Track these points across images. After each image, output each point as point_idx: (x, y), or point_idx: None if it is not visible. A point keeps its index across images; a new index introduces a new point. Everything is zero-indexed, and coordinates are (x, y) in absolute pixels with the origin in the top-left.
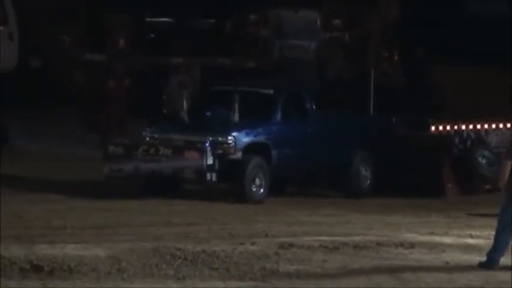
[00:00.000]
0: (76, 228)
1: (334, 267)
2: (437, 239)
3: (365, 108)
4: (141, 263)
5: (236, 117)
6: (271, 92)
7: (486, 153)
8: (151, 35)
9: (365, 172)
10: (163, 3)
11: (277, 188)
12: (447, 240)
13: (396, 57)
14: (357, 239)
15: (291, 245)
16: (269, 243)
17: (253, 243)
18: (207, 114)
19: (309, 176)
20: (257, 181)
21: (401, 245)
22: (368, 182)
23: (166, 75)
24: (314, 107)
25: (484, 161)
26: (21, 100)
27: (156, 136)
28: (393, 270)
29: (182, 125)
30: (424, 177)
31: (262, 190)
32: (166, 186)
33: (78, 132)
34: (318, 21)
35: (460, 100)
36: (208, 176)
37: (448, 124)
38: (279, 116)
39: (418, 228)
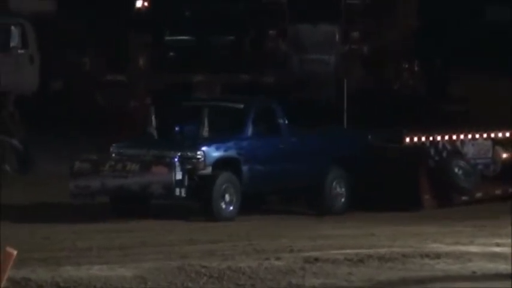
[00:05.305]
0: (102, 249)
1: (359, 279)
2: (463, 248)
3: (383, 121)
4: (167, 282)
5: (206, 131)
6: (242, 106)
7: (462, 163)
8: (171, 53)
9: (339, 189)
10: (182, 21)
11: (251, 205)
12: (473, 249)
13: (416, 68)
14: (381, 251)
15: (316, 259)
16: (294, 258)
17: (278, 259)
18: (177, 129)
19: (282, 192)
20: (227, 197)
21: (427, 255)
22: (343, 199)
23: (189, 92)
24: (287, 121)
25: (460, 172)
26: (43, 123)
27: (123, 152)
28: (420, 282)
29: (150, 141)
30: (400, 189)
31: (232, 207)
32: (135, 203)
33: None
34: (337, 35)
35: (479, 108)
36: (177, 191)
37: (423, 135)
38: (250, 131)
39: (443, 238)
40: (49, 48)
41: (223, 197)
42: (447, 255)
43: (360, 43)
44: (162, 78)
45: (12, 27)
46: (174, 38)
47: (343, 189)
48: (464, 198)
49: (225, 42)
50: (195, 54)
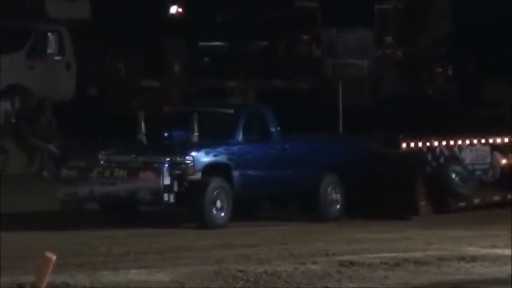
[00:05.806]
0: (139, 254)
1: (395, 283)
2: (499, 251)
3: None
4: (204, 287)
5: (195, 137)
6: (232, 111)
7: (458, 169)
8: (205, 59)
9: (335, 195)
10: (216, 27)
11: (244, 212)
12: (509, 252)
13: (450, 72)
14: (417, 254)
15: (351, 263)
16: (330, 262)
17: (314, 263)
18: (166, 135)
19: (275, 198)
20: (218, 203)
21: (462, 259)
22: (338, 205)
23: (223, 98)
24: (279, 128)
25: (457, 178)
26: (80, 129)
27: (112, 158)
28: (455, 285)
29: (139, 147)
30: (396, 195)
31: (223, 213)
32: (125, 209)
33: None
34: (370, 39)
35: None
36: (166, 197)
37: (419, 141)
38: (240, 136)
39: (479, 242)
40: (85, 54)
41: (214, 203)
42: (483, 258)
43: (393, 48)
44: (196, 84)
45: (49, 34)
46: (208, 43)
47: (338, 196)
48: (461, 204)
49: (259, 48)
50: (228, 59)
